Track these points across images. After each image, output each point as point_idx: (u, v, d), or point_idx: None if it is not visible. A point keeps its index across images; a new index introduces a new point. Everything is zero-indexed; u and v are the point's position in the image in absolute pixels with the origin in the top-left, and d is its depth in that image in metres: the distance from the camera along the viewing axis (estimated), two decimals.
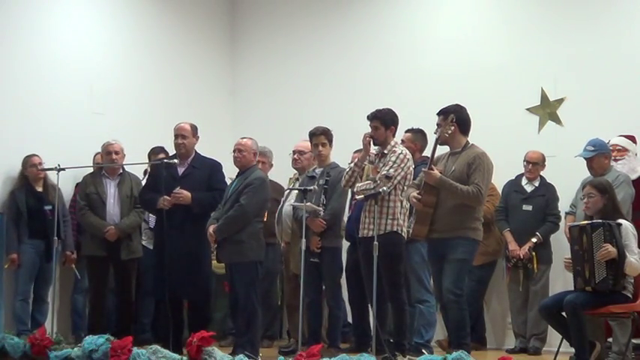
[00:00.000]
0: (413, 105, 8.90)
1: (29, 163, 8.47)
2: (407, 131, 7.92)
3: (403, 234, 7.12)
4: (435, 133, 6.86)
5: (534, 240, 8.24)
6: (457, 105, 6.89)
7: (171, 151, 8.07)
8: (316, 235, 7.64)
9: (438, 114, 6.86)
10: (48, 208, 8.32)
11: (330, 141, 7.88)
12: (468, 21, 9.52)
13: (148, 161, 8.63)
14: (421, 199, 6.74)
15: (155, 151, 8.84)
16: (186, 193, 7.50)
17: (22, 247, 8.39)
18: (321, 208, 7.63)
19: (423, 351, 7.18)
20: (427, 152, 7.87)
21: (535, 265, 8.25)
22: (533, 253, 8.27)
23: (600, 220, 6.61)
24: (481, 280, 8.56)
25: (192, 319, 7.61)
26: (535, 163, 8.38)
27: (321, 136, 7.84)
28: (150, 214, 8.43)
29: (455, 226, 6.66)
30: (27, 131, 8.75)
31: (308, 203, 7.32)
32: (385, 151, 7.20)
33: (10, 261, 8.34)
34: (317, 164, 8.00)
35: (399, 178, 7.06)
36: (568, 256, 6.94)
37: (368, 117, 7.26)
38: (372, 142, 7.20)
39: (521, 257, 8.25)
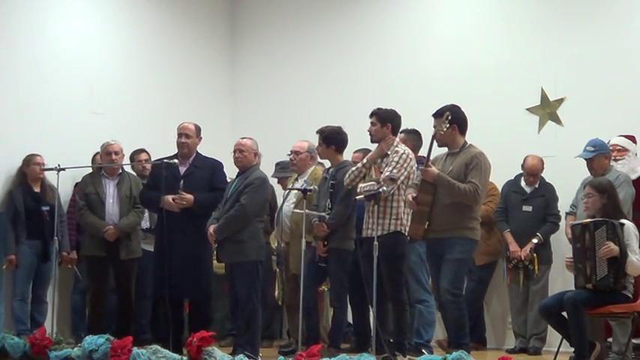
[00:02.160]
0: (413, 105, 8.87)
1: (32, 162, 8.46)
2: (401, 132, 7.92)
3: (406, 234, 7.12)
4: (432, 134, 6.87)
5: (535, 241, 8.24)
6: (452, 105, 6.88)
7: (154, 152, 8.07)
8: (321, 239, 7.62)
9: (434, 116, 6.85)
10: (45, 208, 8.32)
11: (328, 142, 7.67)
12: (468, 21, 9.52)
13: (131, 162, 8.68)
14: (417, 198, 6.74)
15: (137, 152, 8.87)
16: (189, 197, 7.50)
17: (20, 248, 8.39)
18: (323, 214, 7.59)
19: (423, 351, 7.17)
20: (422, 152, 7.90)
21: (536, 267, 8.25)
22: (534, 255, 8.27)
23: (603, 219, 6.61)
24: (481, 280, 8.57)
25: (193, 319, 7.60)
26: (535, 175, 8.37)
27: (318, 135, 7.79)
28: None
29: (452, 226, 6.66)
30: (27, 131, 8.75)
31: (307, 211, 7.29)
32: (388, 151, 7.19)
33: (8, 262, 8.34)
34: (331, 164, 7.89)
35: (402, 178, 7.06)
36: (569, 256, 6.95)
37: (369, 115, 7.27)
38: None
39: (522, 259, 8.25)
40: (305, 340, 7.46)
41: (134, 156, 8.88)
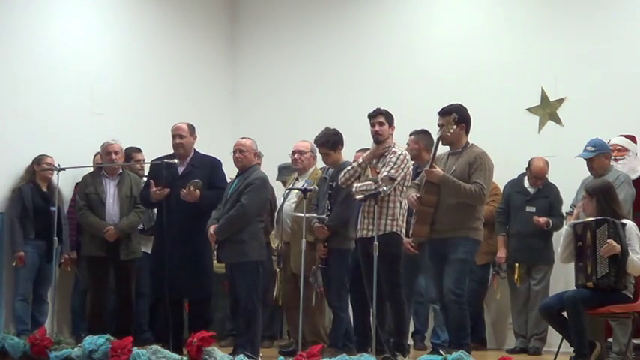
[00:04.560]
0: (413, 105, 8.92)
1: (43, 161, 8.46)
2: (410, 134, 7.91)
3: (402, 235, 7.11)
4: (437, 133, 6.85)
5: (544, 220, 8.19)
6: (458, 104, 6.88)
7: (154, 153, 8.10)
8: (321, 241, 7.61)
9: (439, 113, 6.85)
10: (53, 209, 8.30)
11: (335, 147, 7.66)
12: (468, 21, 9.52)
13: (130, 162, 8.69)
14: (422, 199, 6.74)
15: (134, 151, 8.87)
16: (195, 194, 7.50)
17: (24, 247, 8.37)
18: (324, 216, 7.58)
19: (441, 352, 7.17)
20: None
21: (517, 277, 8.27)
22: (516, 265, 8.29)
23: (605, 217, 6.62)
24: (482, 280, 8.56)
25: (193, 320, 7.60)
26: (541, 178, 8.35)
27: (321, 148, 7.72)
28: None
29: (456, 227, 6.66)
30: (27, 131, 8.76)
31: (308, 215, 7.31)
32: (384, 152, 7.18)
33: (18, 259, 8.32)
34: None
35: (399, 179, 7.06)
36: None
37: (370, 115, 7.23)
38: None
39: (505, 261, 8.32)
40: (333, 341, 7.57)
41: (132, 154, 8.87)
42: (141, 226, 8.50)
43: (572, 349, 6.63)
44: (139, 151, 8.94)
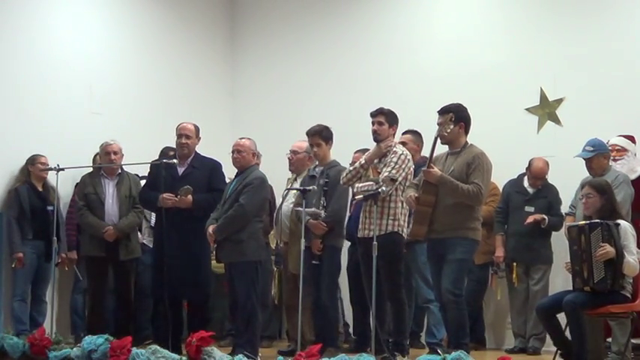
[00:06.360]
0: (412, 105, 8.91)
1: (36, 161, 8.45)
2: (405, 132, 7.91)
3: (404, 234, 7.12)
4: (436, 132, 6.84)
5: (540, 218, 8.19)
6: (458, 104, 6.88)
7: (154, 153, 8.10)
8: (318, 237, 7.62)
9: (439, 112, 6.85)
10: (50, 208, 8.30)
11: (327, 139, 7.71)
12: (468, 21, 9.52)
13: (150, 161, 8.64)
14: (420, 199, 6.73)
15: (169, 150, 8.78)
16: (188, 199, 7.50)
17: (22, 248, 8.36)
18: (321, 211, 7.60)
19: (439, 351, 7.17)
20: (425, 152, 7.89)
21: (514, 276, 8.26)
22: (514, 264, 8.29)
23: (598, 220, 6.61)
24: (481, 280, 8.56)
25: (191, 320, 7.61)
26: (541, 178, 8.35)
27: (314, 137, 7.73)
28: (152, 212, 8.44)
29: (454, 227, 6.65)
30: (26, 131, 8.75)
31: (309, 209, 7.30)
32: (385, 152, 7.19)
33: (17, 260, 8.30)
34: (318, 163, 7.92)
35: (400, 178, 7.06)
36: (568, 261, 6.95)
37: (372, 113, 7.25)
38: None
39: (502, 260, 8.31)
40: (308, 341, 7.49)
41: (169, 153, 8.72)
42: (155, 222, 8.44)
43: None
44: (171, 150, 8.80)
